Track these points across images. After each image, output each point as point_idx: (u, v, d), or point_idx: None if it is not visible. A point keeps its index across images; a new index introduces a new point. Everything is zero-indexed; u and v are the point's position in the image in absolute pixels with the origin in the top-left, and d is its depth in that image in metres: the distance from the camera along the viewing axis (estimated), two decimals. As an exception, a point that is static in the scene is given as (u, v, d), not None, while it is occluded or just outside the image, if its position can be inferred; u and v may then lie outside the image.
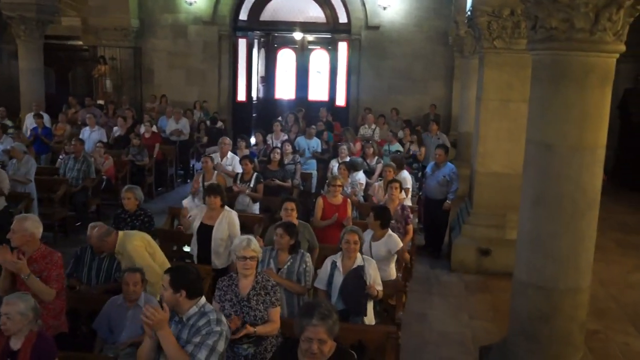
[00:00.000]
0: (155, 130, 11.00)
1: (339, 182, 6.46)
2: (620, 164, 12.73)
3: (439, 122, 11.72)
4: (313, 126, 10.14)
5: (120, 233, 4.84)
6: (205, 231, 5.50)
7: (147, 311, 2.97)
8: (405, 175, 8.04)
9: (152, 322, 2.97)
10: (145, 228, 5.88)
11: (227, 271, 5.24)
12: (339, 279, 4.63)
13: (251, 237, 4.00)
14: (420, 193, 9.00)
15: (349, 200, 6.61)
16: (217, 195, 5.51)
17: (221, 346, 3.10)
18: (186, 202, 6.65)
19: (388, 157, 9.07)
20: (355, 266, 4.64)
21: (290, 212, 5.35)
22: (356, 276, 4.54)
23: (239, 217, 5.60)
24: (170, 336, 3.03)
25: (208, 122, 12.96)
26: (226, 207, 5.64)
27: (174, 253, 5.93)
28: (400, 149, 10.07)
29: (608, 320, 6.10)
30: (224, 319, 3.21)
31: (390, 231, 5.42)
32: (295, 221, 5.23)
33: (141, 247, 4.78)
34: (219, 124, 13.05)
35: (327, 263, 4.76)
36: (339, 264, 4.70)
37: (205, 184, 7.19)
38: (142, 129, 10.83)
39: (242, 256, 3.88)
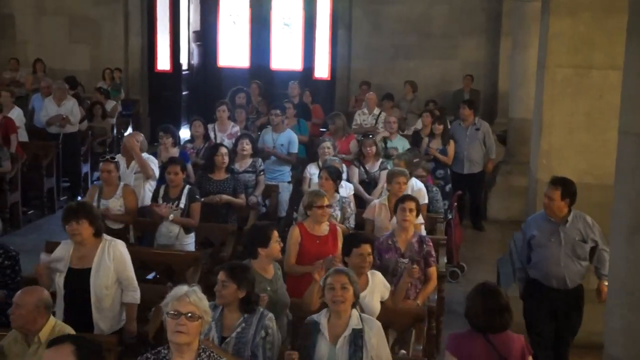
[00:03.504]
0: (12, 116, 10.99)
1: (325, 202, 6.55)
2: None
3: (476, 103, 11.76)
4: (277, 111, 10.16)
5: None
6: (77, 279, 5.60)
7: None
8: (419, 186, 8.29)
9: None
10: (5, 277, 5.98)
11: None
12: (324, 350, 4.75)
13: (195, 287, 4.17)
14: (450, 216, 9.17)
15: (338, 228, 6.74)
16: (82, 219, 5.58)
17: None
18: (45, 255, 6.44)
19: (387, 162, 9.31)
20: (348, 331, 4.75)
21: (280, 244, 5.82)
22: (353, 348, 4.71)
23: (163, 256, 5.51)
24: None
25: (112, 102, 13.13)
26: (105, 236, 5.76)
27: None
28: (404, 144, 10.25)
29: None
30: None
31: (368, 271, 5.78)
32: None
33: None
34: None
35: (307, 326, 4.89)
36: (323, 326, 4.81)
37: (102, 204, 7.33)
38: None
39: (174, 311, 4.02)
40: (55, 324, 4.88)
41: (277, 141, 9.98)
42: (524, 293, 6.68)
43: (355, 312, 4.84)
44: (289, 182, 9.88)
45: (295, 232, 6.54)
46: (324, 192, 6.83)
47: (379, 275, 5.91)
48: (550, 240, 6.34)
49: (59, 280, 5.65)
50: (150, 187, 8.34)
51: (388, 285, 5.93)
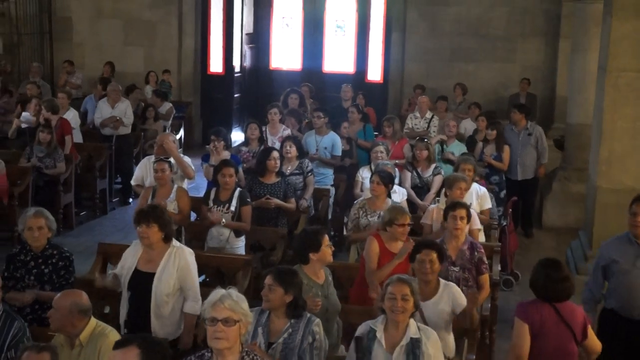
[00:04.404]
0: (67, 117, 11.16)
1: (407, 220, 6.51)
2: None
3: (527, 107, 11.55)
4: (319, 113, 10.18)
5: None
6: (141, 282, 5.65)
7: None
8: (483, 191, 8.30)
9: None
10: (60, 279, 6.05)
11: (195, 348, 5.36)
12: (381, 359, 4.77)
13: (232, 289, 4.19)
14: (505, 223, 9.17)
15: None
16: (153, 223, 5.64)
17: None
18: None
19: (441, 167, 9.34)
20: (406, 340, 4.77)
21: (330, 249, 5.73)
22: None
23: (213, 259, 5.60)
24: None
25: (168, 104, 13.27)
26: (174, 242, 5.81)
27: (105, 318, 6.04)
28: (461, 149, 10.19)
29: None
30: None
31: (443, 281, 5.68)
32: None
33: None
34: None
35: (362, 331, 4.89)
36: (380, 334, 4.82)
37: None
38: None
39: (210, 317, 4.05)
40: (95, 326, 4.95)
41: (320, 144, 10.00)
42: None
43: (412, 322, 4.85)
44: (332, 186, 9.86)
45: (374, 245, 6.48)
46: (406, 210, 6.82)
47: (454, 288, 5.77)
48: (635, 265, 5.83)
49: (125, 281, 5.75)
50: (186, 185, 8.43)
51: (463, 302, 5.71)
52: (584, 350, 5.17)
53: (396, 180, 8.47)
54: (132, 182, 8.76)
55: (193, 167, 8.53)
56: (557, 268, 5.08)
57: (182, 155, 8.58)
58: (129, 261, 5.78)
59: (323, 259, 5.66)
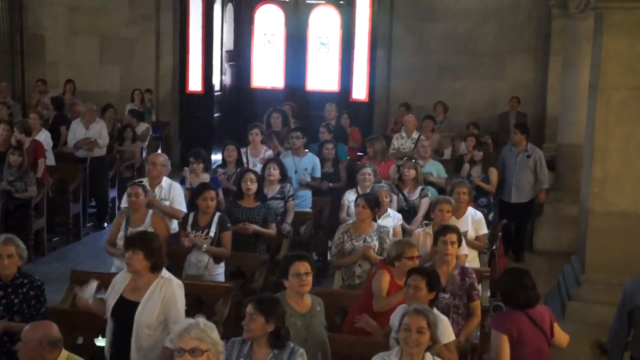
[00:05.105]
0: (39, 139, 11.09)
1: (416, 252, 6.47)
2: None
3: (525, 127, 11.54)
4: (297, 133, 10.12)
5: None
6: (125, 310, 5.59)
7: None
8: (479, 216, 8.29)
9: None
10: (31, 309, 5.96)
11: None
12: None
13: (200, 318, 4.22)
14: (495, 247, 9.16)
15: None
16: (138, 250, 5.57)
17: None
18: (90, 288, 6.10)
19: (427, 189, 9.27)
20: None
21: (304, 279, 5.55)
22: None
23: (193, 287, 5.55)
24: None
25: (145, 124, 13.26)
26: (164, 273, 5.73)
27: (78, 349, 5.99)
28: (438, 168, 10.16)
29: None
30: None
31: (435, 311, 5.58)
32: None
33: None
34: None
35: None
36: None
37: (129, 232, 7.18)
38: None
39: (178, 348, 4.07)
40: (67, 358, 4.87)
41: (299, 165, 9.97)
42: None
43: (429, 356, 4.83)
44: (310, 208, 9.82)
45: (385, 278, 6.41)
46: (414, 242, 6.80)
47: (444, 321, 5.65)
48: None
49: (109, 308, 5.67)
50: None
51: (452, 336, 5.70)
52: (553, 346, 5.58)
53: (393, 205, 8.54)
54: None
55: (182, 196, 8.31)
56: (525, 275, 5.47)
57: (169, 181, 8.40)
58: (117, 287, 5.72)
59: (291, 287, 5.55)
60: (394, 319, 5.35)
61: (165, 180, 8.32)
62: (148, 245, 5.60)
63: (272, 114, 11.89)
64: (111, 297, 5.68)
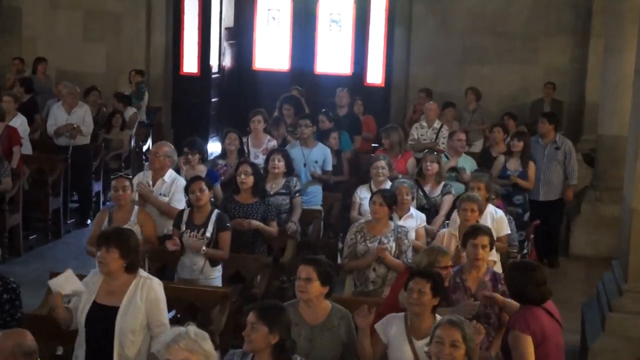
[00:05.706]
0: (14, 124, 10.83)
1: (449, 262, 6.36)
2: None
3: (558, 116, 11.39)
4: (307, 121, 9.92)
5: None
6: (102, 317, 5.49)
7: None
8: (500, 215, 8.08)
9: None
10: (4, 314, 5.78)
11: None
12: None
13: (191, 326, 4.16)
14: (526, 251, 9.12)
15: None
16: (113, 248, 5.48)
17: None
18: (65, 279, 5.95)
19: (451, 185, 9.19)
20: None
21: (302, 285, 5.51)
22: None
23: (186, 292, 5.76)
24: None
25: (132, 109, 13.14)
26: (141, 272, 5.67)
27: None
28: (472, 164, 9.93)
29: None
30: None
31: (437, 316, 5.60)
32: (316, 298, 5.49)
33: None
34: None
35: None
36: None
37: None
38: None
39: None
40: None
41: (309, 157, 9.79)
42: None
43: None
44: (321, 206, 9.73)
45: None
46: (447, 250, 6.69)
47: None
48: None
49: (81, 316, 5.53)
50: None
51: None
52: None
53: (414, 203, 8.45)
54: None
55: (183, 195, 8.05)
56: (537, 268, 5.70)
57: (173, 174, 8.32)
58: (84, 294, 5.59)
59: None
60: (380, 329, 5.52)
61: (170, 175, 8.26)
62: (125, 242, 5.52)
63: (284, 105, 11.71)
64: (82, 304, 5.54)
